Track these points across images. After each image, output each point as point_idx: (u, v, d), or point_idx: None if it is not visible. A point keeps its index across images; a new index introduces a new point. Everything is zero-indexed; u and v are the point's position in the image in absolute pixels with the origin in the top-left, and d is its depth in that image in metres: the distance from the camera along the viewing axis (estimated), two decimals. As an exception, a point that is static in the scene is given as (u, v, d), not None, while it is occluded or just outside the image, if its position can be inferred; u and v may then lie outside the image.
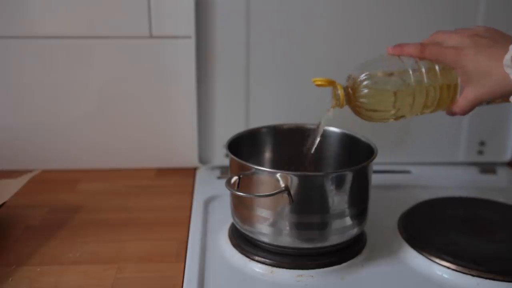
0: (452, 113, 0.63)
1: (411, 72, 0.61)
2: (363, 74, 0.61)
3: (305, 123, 0.77)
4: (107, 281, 0.64)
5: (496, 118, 0.94)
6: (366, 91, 0.61)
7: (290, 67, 0.88)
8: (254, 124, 0.83)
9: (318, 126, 0.67)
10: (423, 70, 0.61)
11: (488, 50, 0.58)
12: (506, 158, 0.96)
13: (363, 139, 0.72)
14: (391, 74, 0.61)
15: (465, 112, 0.62)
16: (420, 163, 0.96)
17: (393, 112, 0.62)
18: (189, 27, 0.85)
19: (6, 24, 0.87)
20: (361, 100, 0.61)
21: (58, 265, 0.67)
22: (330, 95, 0.63)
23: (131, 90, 0.92)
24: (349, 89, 0.62)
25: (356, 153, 0.72)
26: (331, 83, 0.62)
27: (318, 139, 0.68)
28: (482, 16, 0.86)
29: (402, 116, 0.63)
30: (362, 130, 0.73)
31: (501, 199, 0.82)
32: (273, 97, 0.90)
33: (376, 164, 0.68)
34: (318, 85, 0.62)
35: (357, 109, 0.63)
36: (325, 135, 0.76)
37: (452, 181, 0.90)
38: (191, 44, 0.85)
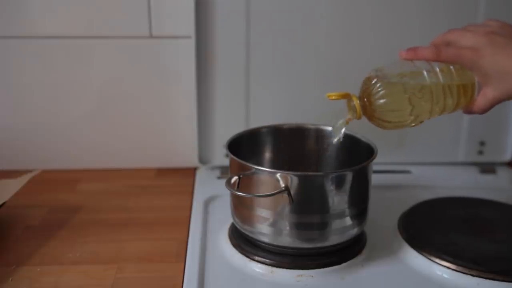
0: (470, 112, 0.62)
1: (427, 78, 0.59)
2: (378, 84, 0.59)
3: (305, 123, 0.77)
4: (107, 281, 0.64)
5: (496, 118, 0.94)
6: (382, 101, 0.59)
7: (290, 67, 0.88)
8: (254, 124, 0.83)
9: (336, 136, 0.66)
10: (439, 74, 0.60)
11: (505, 49, 0.56)
12: (506, 158, 0.96)
13: (363, 139, 0.72)
14: (406, 81, 0.59)
15: (484, 111, 0.61)
16: (420, 163, 0.96)
17: (411, 119, 0.61)
18: (189, 27, 0.85)
19: (6, 24, 0.87)
20: (378, 110, 0.60)
21: (58, 265, 0.67)
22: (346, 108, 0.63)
23: (131, 90, 0.92)
24: (365, 100, 0.61)
25: (356, 153, 0.72)
26: (346, 96, 0.61)
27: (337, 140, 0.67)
28: (482, 16, 0.86)
29: (421, 122, 0.62)
30: (362, 130, 0.73)
31: (501, 199, 0.82)
32: (273, 97, 0.90)
33: (376, 164, 0.68)
34: (333, 99, 0.61)
35: (374, 120, 0.61)
36: (325, 135, 0.76)
37: (452, 181, 0.90)
38: (191, 44, 0.85)
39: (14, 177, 0.77)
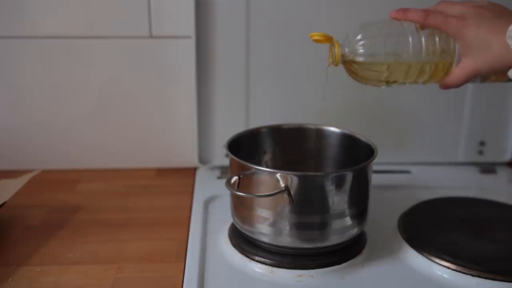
0: (445, 86, 0.63)
1: (410, 39, 0.60)
2: (361, 34, 0.61)
3: (305, 123, 0.77)
4: (107, 281, 0.64)
5: (496, 118, 0.94)
6: (362, 50, 0.60)
7: (290, 67, 0.88)
8: (254, 124, 0.83)
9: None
10: (423, 38, 0.61)
11: (491, 22, 0.57)
12: (506, 158, 0.96)
13: (363, 139, 0.72)
14: (390, 38, 0.61)
15: (459, 84, 0.61)
16: (420, 163, 0.96)
17: (386, 74, 0.61)
18: (189, 27, 0.85)
19: (6, 24, 0.87)
20: (356, 59, 0.61)
21: (58, 265, 0.67)
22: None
23: (131, 90, 0.92)
24: (346, 48, 0.62)
25: (356, 153, 0.72)
26: (329, 39, 0.62)
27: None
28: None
29: (394, 81, 0.63)
30: (362, 130, 0.73)
31: (501, 199, 0.82)
32: (273, 97, 0.90)
33: (376, 164, 0.68)
34: (315, 40, 0.61)
35: (351, 68, 0.62)
36: (325, 135, 0.77)
37: (452, 181, 0.90)
38: (191, 44, 0.85)
39: (14, 177, 0.77)
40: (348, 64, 0.62)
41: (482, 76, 0.61)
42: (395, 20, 0.62)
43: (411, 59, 0.61)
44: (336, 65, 0.62)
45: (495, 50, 0.57)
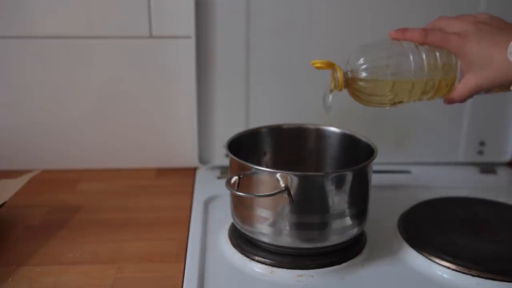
0: (450, 101, 0.63)
1: (411, 58, 0.60)
2: (362, 58, 0.61)
3: (305, 123, 0.77)
4: (107, 281, 0.64)
5: (496, 118, 0.94)
6: (364, 75, 0.60)
7: (290, 67, 0.88)
8: (254, 124, 0.83)
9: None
10: (424, 56, 0.61)
11: (491, 38, 0.57)
12: (506, 158, 0.96)
13: (363, 139, 0.72)
14: (391, 59, 0.61)
15: (463, 99, 0.61)
16: (420, 163, 0.96)
17: (390, 97, 0.61)
18: (189, 27, 0.85)
19: (6, 24, 0.87)
20: (359, 83, 0.61)
21: (58, 265, 0.67)
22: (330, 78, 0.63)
23: (131, 90, 0.92)
24: (348, 73, 0.62)
25: (356, 153, 0.72)
26: (331, 66, 0.62)
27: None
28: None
29: (400, 102, 0.63)
30: (362, 130, 0.73)
31: (501, 199, 0.82)
32: (273, 97, 0.90)
33: (376, 164, 0.68)
34: (317, 67, 0.62)
35: (355, 92, 0.62)
36: (325, 135, 0.77)
37: (452, 181, 0.90)
38: (191, 44, 0.85)
39: (14, 177, 0.77)
40: (351, 87, 0.62)
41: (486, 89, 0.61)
42: (395, 40, 0.62)
43: (413, 77, 0.60)
44: (340, 90, 0.62)
45: (496, 65, 0.57)
